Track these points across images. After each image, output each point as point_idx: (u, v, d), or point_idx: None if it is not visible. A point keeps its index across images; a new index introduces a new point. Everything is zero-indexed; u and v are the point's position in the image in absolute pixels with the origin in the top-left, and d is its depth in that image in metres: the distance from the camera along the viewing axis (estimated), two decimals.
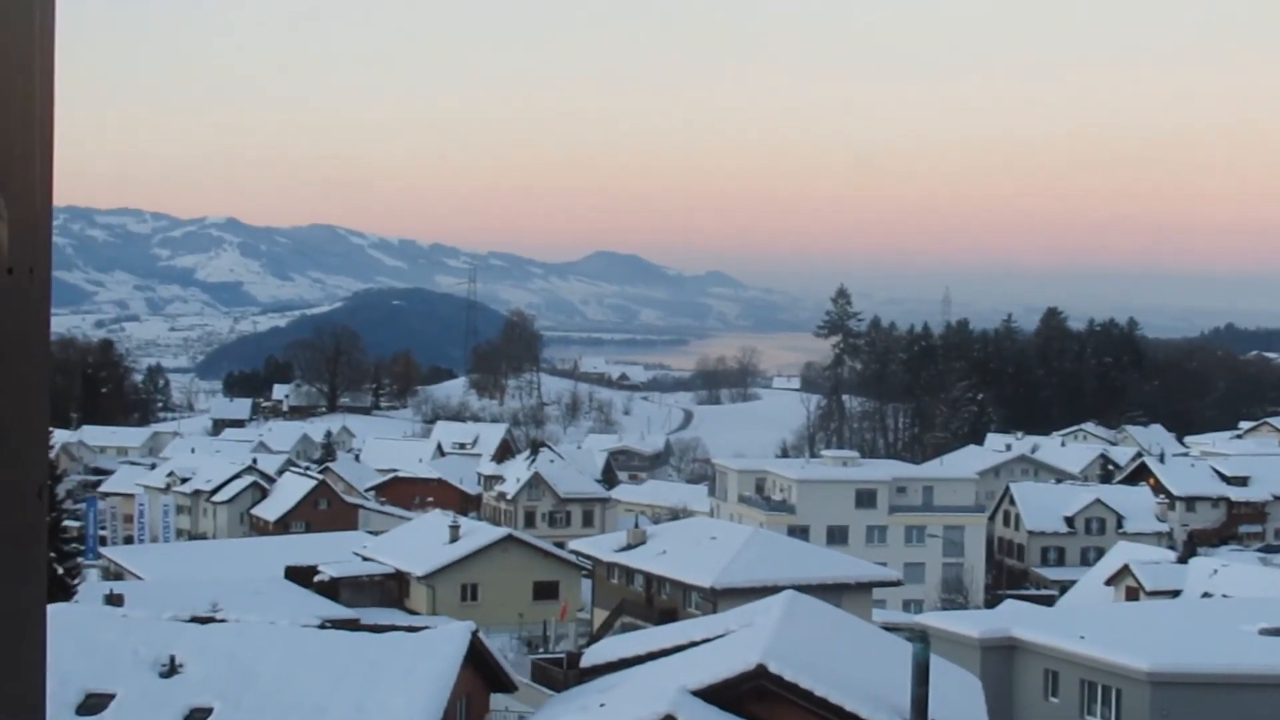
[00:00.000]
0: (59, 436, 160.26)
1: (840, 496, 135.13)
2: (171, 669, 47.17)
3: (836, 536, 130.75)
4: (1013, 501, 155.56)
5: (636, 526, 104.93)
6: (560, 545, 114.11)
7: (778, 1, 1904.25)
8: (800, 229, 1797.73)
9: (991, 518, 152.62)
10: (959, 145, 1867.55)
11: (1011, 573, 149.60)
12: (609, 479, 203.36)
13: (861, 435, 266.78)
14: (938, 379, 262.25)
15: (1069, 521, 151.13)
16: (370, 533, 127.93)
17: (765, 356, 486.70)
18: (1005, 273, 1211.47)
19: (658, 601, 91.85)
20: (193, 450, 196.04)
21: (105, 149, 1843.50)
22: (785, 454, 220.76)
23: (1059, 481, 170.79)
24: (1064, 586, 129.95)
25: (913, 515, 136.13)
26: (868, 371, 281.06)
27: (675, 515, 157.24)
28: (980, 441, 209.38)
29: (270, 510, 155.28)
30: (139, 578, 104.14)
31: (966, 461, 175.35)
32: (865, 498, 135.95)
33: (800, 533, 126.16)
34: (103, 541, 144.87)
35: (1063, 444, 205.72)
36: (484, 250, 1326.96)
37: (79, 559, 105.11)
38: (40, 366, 2.64)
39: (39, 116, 2.69)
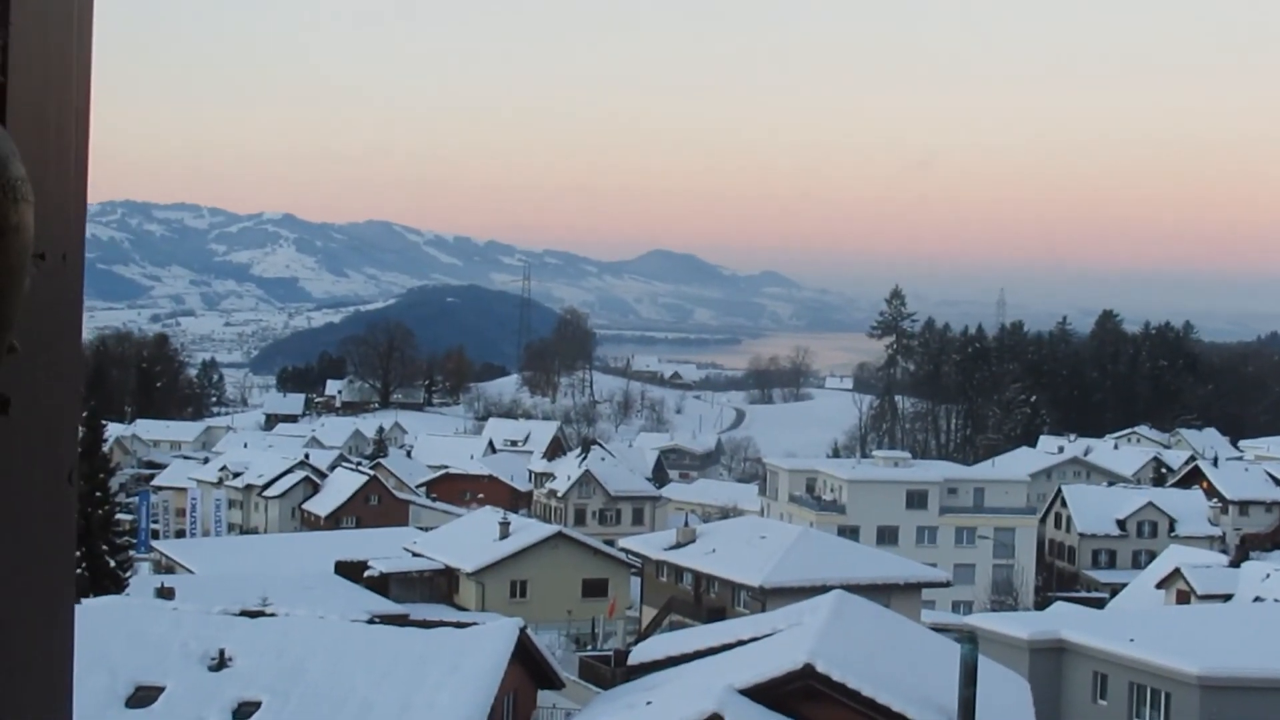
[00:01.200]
0: (112, 430, 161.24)
1: (891, 497, 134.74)
2: (221, 662, 47.47)
3: (887, 537, 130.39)
4: (1064, 504, 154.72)
5: (686, 525, 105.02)
6: (610, 543, 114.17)
7: (834, 8, 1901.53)
8: (855, 230, 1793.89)
9: (1043, 520, 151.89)
10: (1015, 147, 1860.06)
11: (1062, 575, 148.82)
12: (660, 477, 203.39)
13: (914, 436, 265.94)
14: (991, 381, 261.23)
15: (1121, 524, 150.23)
16: (421, 529, 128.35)
17: (818, 357, 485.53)
18: (1060, 275, 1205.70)
19: (706, 600, 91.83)
20: (245, 445, 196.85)
21: (164, 144, 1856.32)
22: (836, 454, 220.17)
23: (1111, 484, 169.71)
24: (1115, 589, 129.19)
25: (963, 516, 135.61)
26: (921, 373, 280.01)
27: (725, 514, 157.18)
28: (1033, 444, 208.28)
29: (321, 505, 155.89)
30: (190, 571, 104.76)
31: (1018, 463, 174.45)
32: (916, 499, 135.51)
33: (850, 533, 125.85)
34: (155, 535, 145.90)
35: (1115, 447, 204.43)
36: (539, 248, 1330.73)
37: (131, 552, 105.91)
38: (72, 352, 2.64)
39: (75, 104, 2.72)
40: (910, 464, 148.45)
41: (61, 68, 2.61)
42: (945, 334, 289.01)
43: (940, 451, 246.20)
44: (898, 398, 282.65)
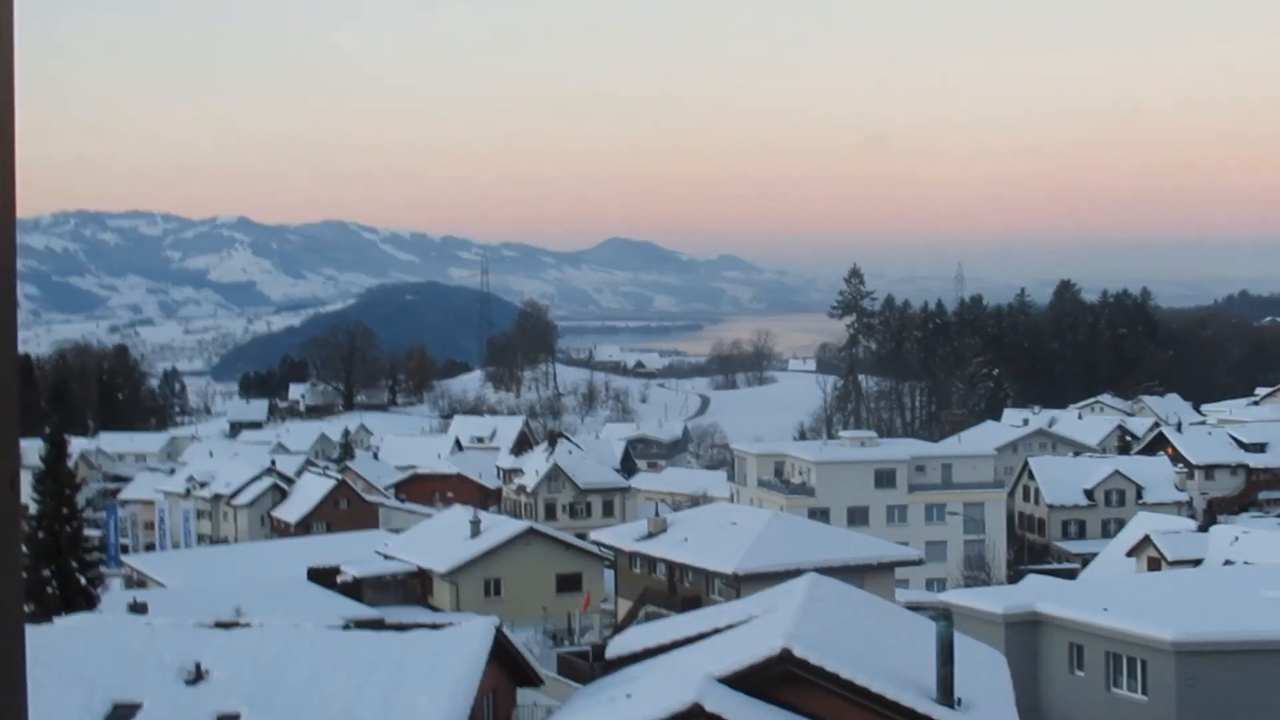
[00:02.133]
0: (76, 445, 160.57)
1: (859, 477, 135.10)
2: (198, 676, 47.32)
3: (857, 517, 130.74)
4: (1032, 476, 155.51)
5: (657, 515, 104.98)
6: (582, 536, 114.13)
7: None
8: (812, 211, 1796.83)
9: (1011, 493, 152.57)
10: (969, 122, 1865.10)
11: (1033, 548, 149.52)
12: (628, 468, 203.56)
13: (879, 415, 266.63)
14: (953, 356, 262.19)
15: (1088, 494, 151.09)
16: (391, 531, 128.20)
17: (780, 339, 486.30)
18: (1018, 247, 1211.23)
19: (681, 589, 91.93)
20: (211, 454, 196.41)
21: (114, 152, 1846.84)
22: (803, 436, 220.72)
23: (1077, 454, 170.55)
24: (1086, 559, 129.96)
25: (932, 494, 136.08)
26: (883, 351, 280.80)
27: (695, 502, 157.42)
28: (997, 417, 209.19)
29: (291, 512, 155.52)
30: (162, 585, 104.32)
31: (984, 438, 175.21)
32: (884, 478, 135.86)
33: (821, 515, 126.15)
34: (124, 549, 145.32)
35: (1079, 417, 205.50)
36: (496, 241, 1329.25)
37: (101, 568, 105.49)
38: (5, 360, 2.61)
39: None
40: (877, 443, 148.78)
41: None
42: (905, 311, 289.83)
43: (906, 429, 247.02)
44: (861, 377, 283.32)
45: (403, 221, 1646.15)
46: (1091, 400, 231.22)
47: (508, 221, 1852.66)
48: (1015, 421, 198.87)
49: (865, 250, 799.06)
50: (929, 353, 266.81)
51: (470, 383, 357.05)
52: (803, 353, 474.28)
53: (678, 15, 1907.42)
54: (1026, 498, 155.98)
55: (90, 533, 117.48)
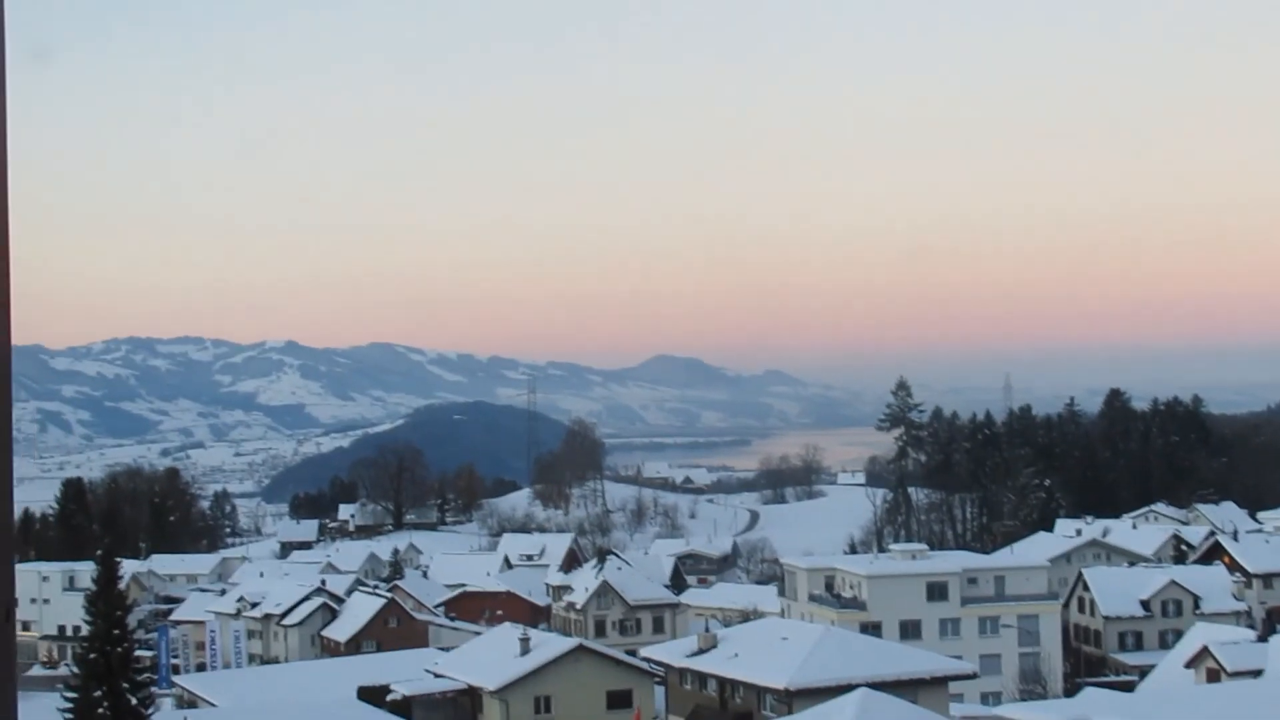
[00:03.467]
0: (128, 567, 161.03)
1: (911, 590, 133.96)
2: None
3: (909, 631, 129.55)
4: (1086, 587, 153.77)
5: (707, 630, 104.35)
6: (632, 653, 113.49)
7: (822, 97, 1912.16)
8: (857, 323, 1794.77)
9: (1066, 605, 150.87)
10: (1012, 230, 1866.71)
11: (1089, 660, 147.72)
12: (678, 584, 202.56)
13: (929, 527, 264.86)
14: (1003, 467, 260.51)
15: (1145, 605, 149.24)
16: (441, 649, 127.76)
17: (828, 453, 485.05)
18: (1066, 356, 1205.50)
19: (732, 705, 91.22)
20: (261, 574, 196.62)
21: (164, 280, 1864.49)
22: (853, 550, 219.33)
23: (1132, 565, 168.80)
24: (1143, 671, 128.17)
25: (986, 606, 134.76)
26: (932, 463, 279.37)
27: (746, 617, 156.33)
28: (1050, 528, 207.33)
29: (341, 631, 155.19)
30: (213, 704, 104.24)
31: (1037, 549, 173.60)
32: (936, 590, 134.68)
33: (873, 629, 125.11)
34: (175, 670, 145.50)
35: (1134, 526, 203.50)
36: (542, 360, 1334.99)
37: (152, 688, 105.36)
38: (2, 486, 2.61)
39: None
40: (928, 556, 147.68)
41: None
42: (954, 422, 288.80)
43: (957, 541, 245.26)
44: (911, 489, 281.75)
45: (449, 343, 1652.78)
46: (1145, 509, 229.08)
47: (553, 340, 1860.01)
48: (1068, 532, 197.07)
49: (912, 362, 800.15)
50: (979, 464, 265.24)
51: (519, 501, 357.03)
52: (851, 466, 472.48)
53: (717, 132, 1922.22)
54: (1082, 609, 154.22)
55: (142, 653, 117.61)
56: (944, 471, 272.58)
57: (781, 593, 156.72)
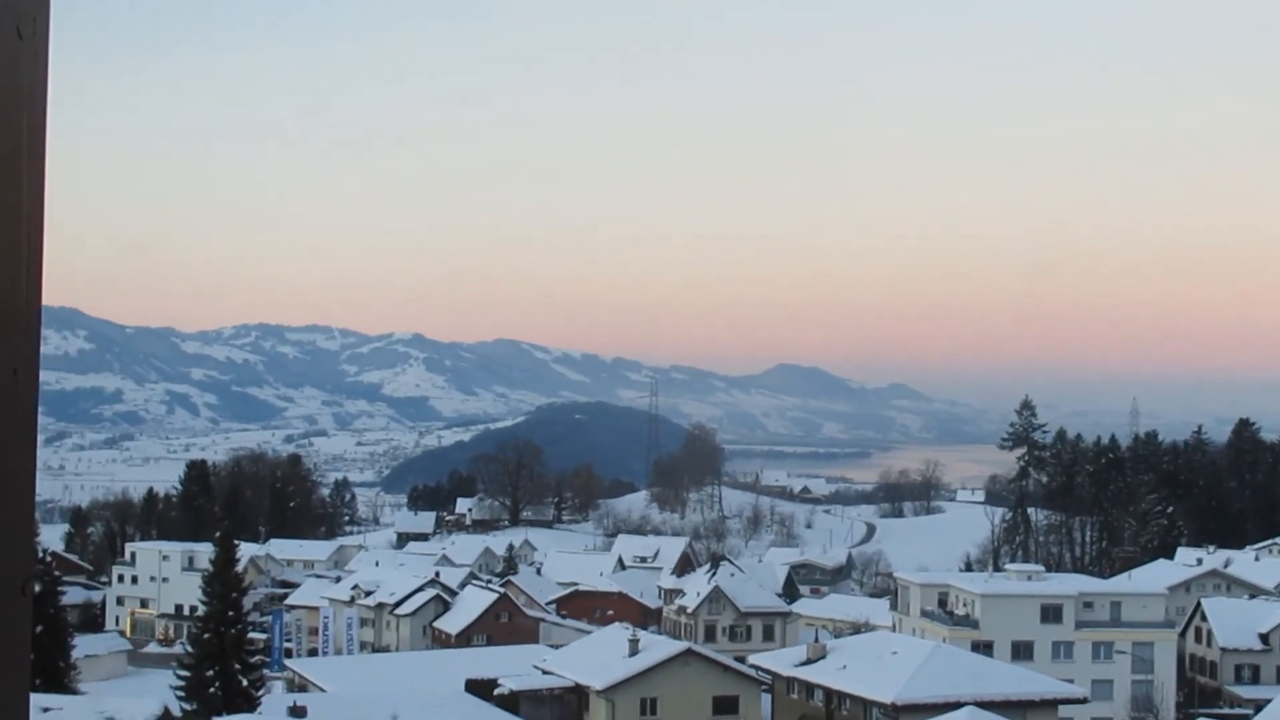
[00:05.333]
0: (246, 550, 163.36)
1: (1025, 611, 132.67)
2: None
3: (1021, 652, 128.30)
4: (1204, 617, 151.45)
5: (817, 641, 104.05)
6: (740, 659, 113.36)
7: (950, 108, 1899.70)
8: (983, 340, 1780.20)
9: (1182, 634, 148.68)
10: (1144, 253, 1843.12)
11: (1204, 691, 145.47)
12: (790, 593, 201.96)
13: (1047, 549, 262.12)
14: (1126, 492, 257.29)
15: (1264, 638, 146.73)
16: (551, 646, 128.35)
17: (949, 469, 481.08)
18: (1194, 383, 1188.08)
19: (838, 717, 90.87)
20: (377, 563, 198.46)
21: (296, 269, 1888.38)
22: (969, 568, 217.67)
23: (1253, 597, 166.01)
24: (1259, 706, 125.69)
25: (1100, 631, 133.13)
26: (1053, 484, 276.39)
27: (857, 629, 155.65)
28: (1170, 556, 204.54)
29: (452, 623, 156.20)
30: (323, 690, 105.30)
31: (1156, 576, 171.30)
32: (1051, 613, 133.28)
33: (984, 648, 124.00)
34: (288, 654, 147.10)
35: (1256, 558, 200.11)
36: (666, 364, 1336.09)
37: (264, 671, 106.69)
38: (24, 465, 2.66)
39: (27, 215, 2.71)
40: (1044, 577, 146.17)
41: (9, 192, 2.64)
42: (1077, 445, 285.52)
43: (1075, 564, 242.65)
44: (1030, 510, 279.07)
45: (575, 342, 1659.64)
46: (1269, 541, 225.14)
47: (678, 344, 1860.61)
48: (1188, 561, 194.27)
49: (1038, 382, 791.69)
50: (1101, 488, 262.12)
51: (635, 502, 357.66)
52: (971, 483, 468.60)
53: (845, 144, 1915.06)
54: (1198, 639, 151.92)
55: (256, 636, 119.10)
56: (1065, 494, 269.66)
57: (894, 607, 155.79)
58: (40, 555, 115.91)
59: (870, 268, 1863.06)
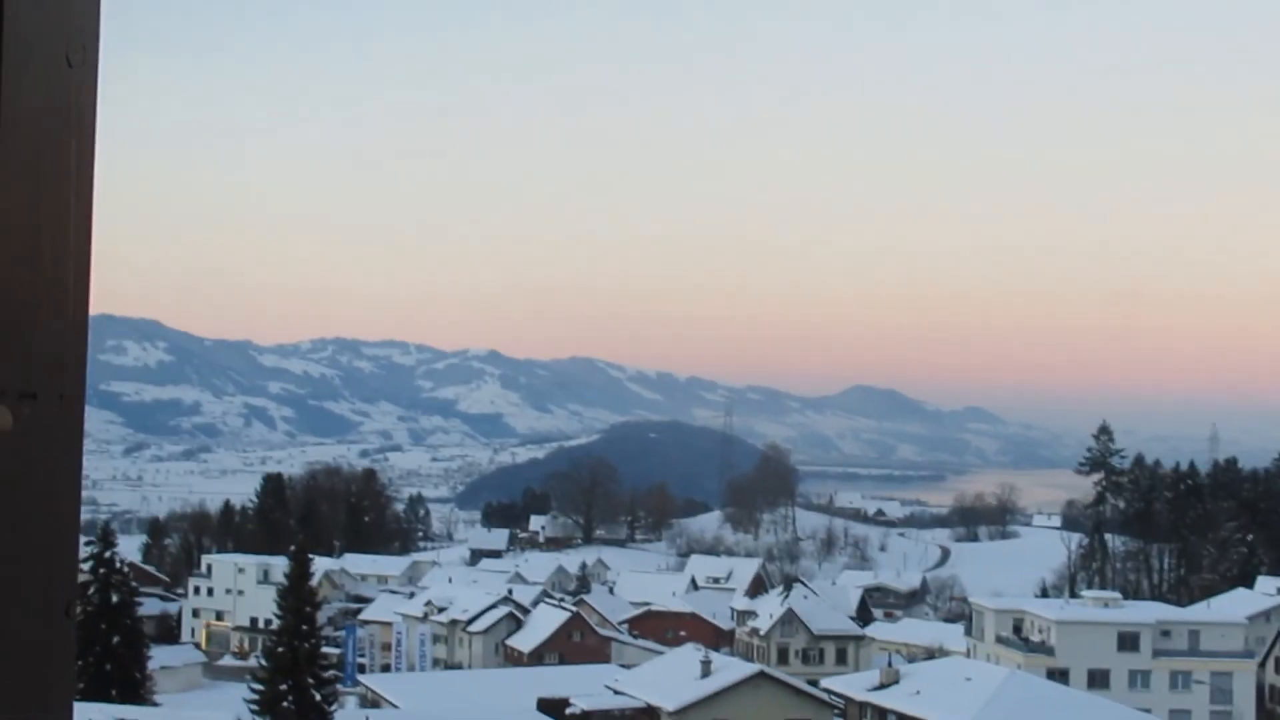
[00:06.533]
0: (321, 564, 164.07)
1: (1102, 639, 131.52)
2: None
3: (1097, 680, 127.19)
4: None
5: (890, 665, 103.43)
6: (813, 683, 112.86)
7: (1035, 130, 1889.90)
8: (1061, 364, 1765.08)
9: (1262, 664, 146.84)
10: (1225, 278, 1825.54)
11: None
12: (863, 616, 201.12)
13: (1124, 576, 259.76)
14: (1205, 519, 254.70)
15: None
16: (623, 666, 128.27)
17: (1025, 493, 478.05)
18: (1276, 410, 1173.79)
19: None
20: (450, 580, 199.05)
21: (373, 284, 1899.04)
22: (1044, 594, 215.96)
23: None
24: None
25: (1178, 660, 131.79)
26: (1131, 510, 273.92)
27: (930, 654, 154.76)
28: (1249, 584, 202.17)
29: (525, 641, 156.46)
30: (395, 706, 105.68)
31: (1235, 605, 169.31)
32: (1128, 640, 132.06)
33: (1059, 675, 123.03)
34: (361, 669, 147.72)
35: None
36: (741, 384, 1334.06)
37: (337, 686, 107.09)
38: (70, 488, 2.73)
39: (73, 248, 2.76)
40: (1121, 604, 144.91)
41: (57, 217, 2.66)
42: (1156, 470, 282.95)
43: (1153, 592, 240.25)
44: (1107, 536, 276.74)
45: (650, 361, 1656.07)
46: None
47: (753, 364, 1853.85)
48: (1268, 590, 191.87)
49: (1116, 406, 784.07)
50: (1179, 515, 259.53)
51: (709, 523, 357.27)
52: (1047, 508, 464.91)
53: (926, 167, 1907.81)
54: (1278, 670, 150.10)
55: (329, 650, 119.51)
56: (1143, 520, 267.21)
57: (968, 632, 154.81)
58: (118, 566, 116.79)
59: (947, 289, 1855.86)
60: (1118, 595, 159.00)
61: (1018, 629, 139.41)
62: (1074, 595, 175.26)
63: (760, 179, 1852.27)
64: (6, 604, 2.73)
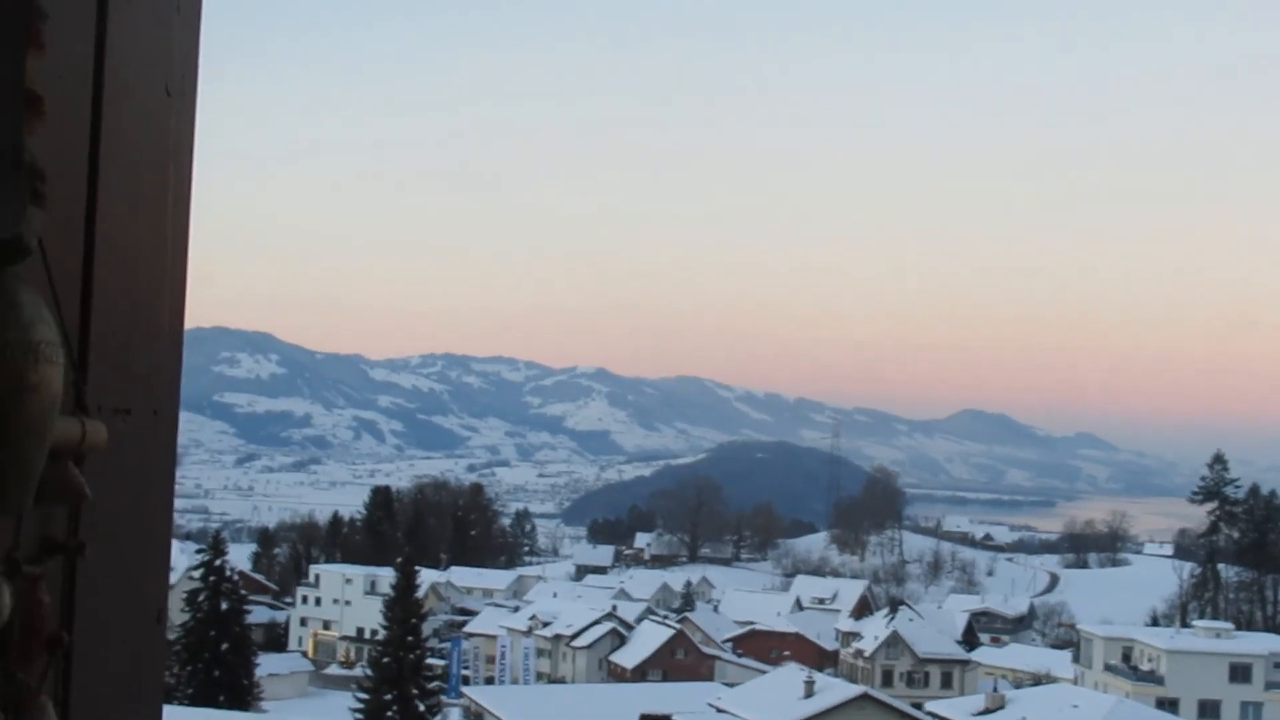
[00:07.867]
0: (427, 576, 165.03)
1: (1213, 669, 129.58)
2: None
3: (1208, 711, 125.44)
4: None
5: (995, 690, 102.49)
6: (918, 706, 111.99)
7: (1139, 151, 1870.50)
8: (1175, 391, 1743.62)
9: None
10: None
11: None
12: (970, 641, 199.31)
13: (1238, 606, 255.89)
14: None
15: None
16: (726, 684, 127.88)
17: (1136, 521, 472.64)
18: None
19: None
20: (555, 595, 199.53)
21: (483, 300, 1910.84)
22: (1155, 622, 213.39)
23: None
24: None
25: None
26: (1245, 540, 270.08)
27: (1037, 680, 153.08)
28: None
29: (628, 657, 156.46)
30: (498, 718, 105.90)
31: None
32: (1240, 672, 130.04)
33: (1169, 706, 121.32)
34: (465, 681, 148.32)
35: None
36: (849, 406, 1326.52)
37: (441, 697, 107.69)
38: (163, 500, 2.84)
39: (171, 264, 3.08)
40: (1234, 635, 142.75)
41: (154, 238, 2.97)
42: (1272, 501, 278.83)
43: (1266, 624, 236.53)
44: (1220, 566, 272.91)
45: (758, 381, 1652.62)
46: None
47: (862, 386, 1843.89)
48: None
49: (1231, 435, 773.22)
50: None
51: (814, 543, 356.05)
52: (1159, 536, 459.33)
53: (1037, 191, 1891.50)
54: None
55: (434, 662, 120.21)
56: (1258, 550, 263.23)
57: (1076, 659, 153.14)
58: (228, 575, 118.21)
59: (1060, 314, 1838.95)
60: (1230, 626, 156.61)
61: (1126, 657, 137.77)
62: (1185, 625, 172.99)
63: (873, 201, 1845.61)
64: (101, 611, 2.81)
